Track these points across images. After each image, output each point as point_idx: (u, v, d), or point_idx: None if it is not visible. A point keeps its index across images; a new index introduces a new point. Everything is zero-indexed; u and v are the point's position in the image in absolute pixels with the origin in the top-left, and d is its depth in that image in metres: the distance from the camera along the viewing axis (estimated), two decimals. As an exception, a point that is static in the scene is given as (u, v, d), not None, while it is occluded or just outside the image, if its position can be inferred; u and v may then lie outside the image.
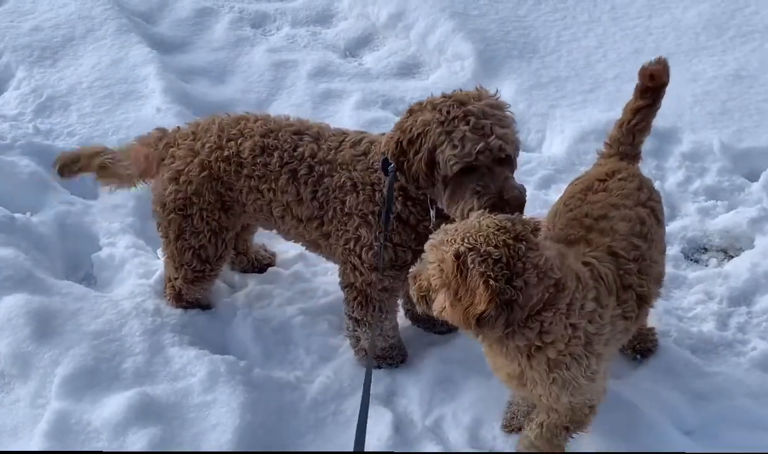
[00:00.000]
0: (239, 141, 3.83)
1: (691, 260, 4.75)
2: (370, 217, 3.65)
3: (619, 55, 6.38)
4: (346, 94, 6.21)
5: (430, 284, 2.99)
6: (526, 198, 3.43)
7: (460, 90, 3.52)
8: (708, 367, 4.00)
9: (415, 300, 3.11)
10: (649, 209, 3.45)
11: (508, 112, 3.45)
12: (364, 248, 3.70)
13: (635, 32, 6.64)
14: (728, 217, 4.91)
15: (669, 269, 4.56)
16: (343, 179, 3.69)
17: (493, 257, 2.83)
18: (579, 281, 3.03)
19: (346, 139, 3.80)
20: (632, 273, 3.24)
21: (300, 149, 3.77)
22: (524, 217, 3.05)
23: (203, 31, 7.04)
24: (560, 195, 3.72)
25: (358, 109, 6.00)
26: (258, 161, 3.79)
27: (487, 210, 3.16)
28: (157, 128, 4.13)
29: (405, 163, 3.43)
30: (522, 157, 4.52)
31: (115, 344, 4.02)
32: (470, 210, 3.30)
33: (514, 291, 2.85)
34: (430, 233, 3.58)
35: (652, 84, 3.63)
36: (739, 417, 3.75)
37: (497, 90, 3.54)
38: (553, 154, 5.50)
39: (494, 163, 3.34)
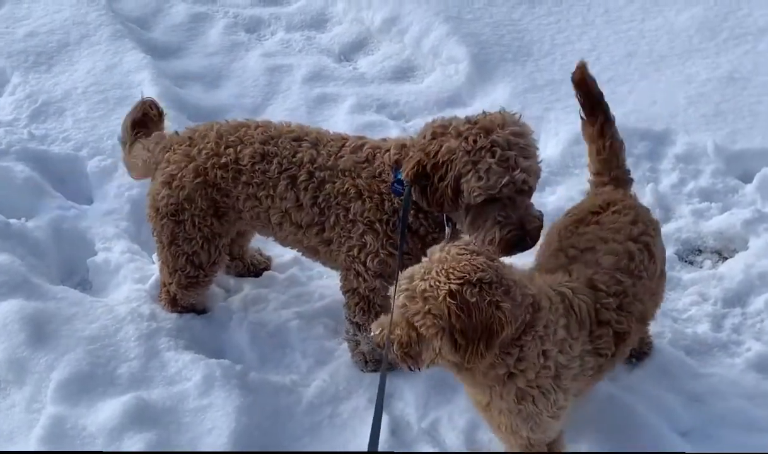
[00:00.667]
0: (238, 148, 3.83)
1: (686, 261, 4.76)
2: (377, 225, 3.65)
3: (613, 58, 6.39)
4: (341, 98, 6.21)
5: (411, 337, 2.83)
6: (543, 223, 3.50)
7: (484, 113, 3.52)
8: (703, 368, 4.01)
9: (398, 358, 2.90)
10: (641, 245, 3.37)
11: (531, 139, 3.47)
12: (369, 255, 3.71)
13: (629, 35, 6.66)
14: (722, 219, 4.91)
15: (664, 270, 4.60)
16: (346, 186, 3.69)
17: (485, 280, 2.77)
18: (552, 303, 3.00)
19: (346, 144, 3.80)
20: (610, 308, 3.16)
21: (299, 155, 3.77)
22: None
23: (198, 37, 7.05)
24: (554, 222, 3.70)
25: (353, 113, 6.01)
26: (257, 168, 3.79)
27: (509, 241, 3.34)
28: (156, 132, 4.13)
29: (428, 186, 3.43)
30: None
31: (111, 349, 4.02)
32: (491, 240, 3.38)
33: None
34: (437, 241, 3.62)
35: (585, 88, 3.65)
36: (734, 418, 3.75)
37: (520, 114, 3.54)
38: (548, 156, 5.49)
39: (516, 193, 3.38)
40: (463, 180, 3.35)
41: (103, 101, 5.99)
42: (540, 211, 3.51)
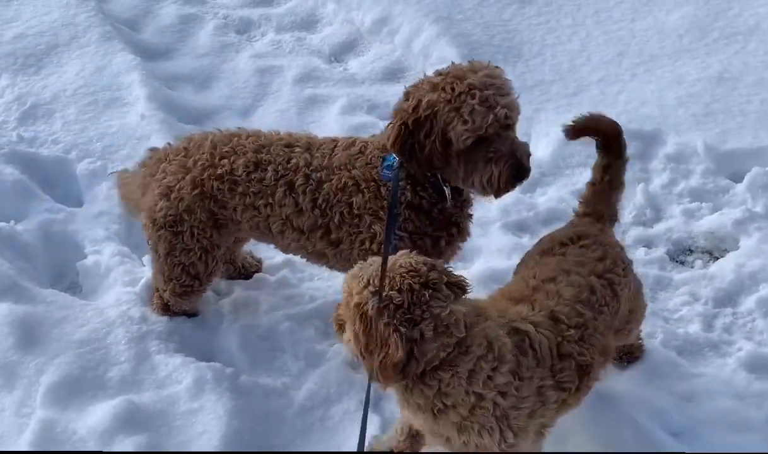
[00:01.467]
0: (232, 158, 3.81)
1: (677, 261, 4.76)
2: (380, 213, 3.66)
3: (603, 59, 6.40)
4: (331, 99, 6.21)
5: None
6: (530, 165, 3.59)
7: (453, 63, 3.61)
8: (694, 368, 4.01)
9: (335, 329, 3.10)
10: (605, 281, 3.32)
11: (504, 79, 3.54)
12: (382, 245, 3.69)
13: (619, 35, 6.66)
14: (713, 219, 4.92)
15: (655, 271, 4.61)
16: (344, 180, 3.69)
17: (395, 302, 2.80)
18: (490, 350, 2.92)
19: (338, 144, 3.82)
20: (572, 340, 3.10)
21: (294, 160, 3.76)
22: (452, 271, 2.99)
23: (187, 38, 7.02)
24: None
25: (344, 115, 6.00)
26: (253, 178, 3.77)
27: (509, 173, 3.45)
28: (149, 149, 4.11)
29: (415, 145, 3.48)
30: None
31: (101, 352, 4.01)
32: (490, 177, 3.47)
33: (410, 343, 2.82)
34: (445, 215, 3.70)
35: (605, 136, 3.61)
36: (726, 418, 3.76)
37: (489, 61, 3.62)
38: (539, 157, 5.49)
39: (501, 129, 3.46)
40: (449, 128, 3.40)
41: (92, 103, 5.96)
42: (526, 142, 3.60)
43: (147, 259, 4.56)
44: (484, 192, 3.57)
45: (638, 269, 3.78)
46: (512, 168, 3.47)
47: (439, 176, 3.62)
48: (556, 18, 6.89)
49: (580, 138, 3.68)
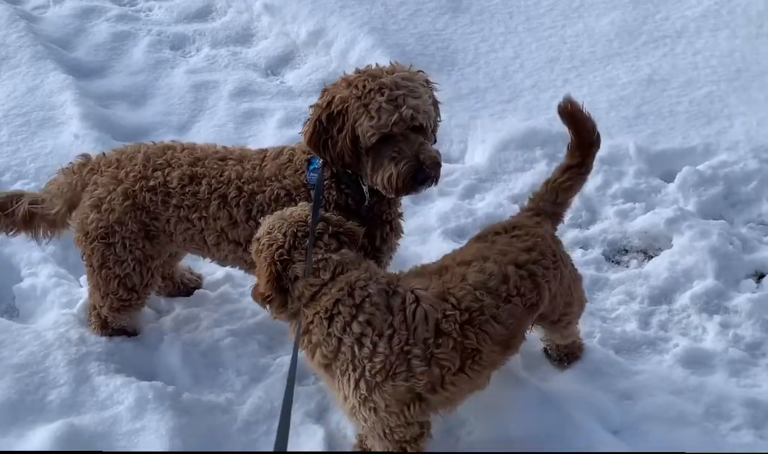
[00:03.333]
0: (166, 171, 3.80)
1: (612, 261, 4.85)
2: None
3: (536, 65, 6.49)
4: (269, 112, 6.21)
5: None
6: (441, 161, 3.61)
7: (377, 64, 3.63)
8: (632, 366, 4.07)
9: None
10: (525, 272, 3.35)
11: (420, 84, 3.56)
12: None
13: (550, 42, 6.77)
14: (646, 219, 5.00)
15: (592, 271, 4.67)
16: (276, 191, 3.70)
17: (278, 242, 3.19)
18: (350, 296, 3.16)
19: (267, 155, 3.84)
20: (452, 321, 3.15)
21: (226, 173, 3.76)
22: (346, 223, 3.36)
23: (121, 55, 6.97)
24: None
25: (281, 128, 6.01)
26: (187, 191, 3.77)
27: (406, 174, 3.48)
28: (80, 155, 4.06)
29: (329, 141, 3.52)
30: (445, 168, 4.57)
31: (39, 376, 3.95)
32: (390, 176, 3.48)
33: (286, 280, 3.21)
34: (375, 213, 3.74)
35: (574, 124, 3.67)
36: (664, 414, 3.81)
37: (411, 65, 3.65)
38: (476, 163, 5.56)
39: (409, 131, 3.49)
40: (357, 124, 3.45)
41: (25, 124, 5.89)
42: (437, 150, 3.61)
43: (84, 279, 4.50)
44: (385, 191, 3.58)
45: (575, 270, 3.84)
46: (411, 170, 3.47)
47: (359, 175, 3.67)
48: (489, 26, 6.98)
49: (565, 122, 3.71)
